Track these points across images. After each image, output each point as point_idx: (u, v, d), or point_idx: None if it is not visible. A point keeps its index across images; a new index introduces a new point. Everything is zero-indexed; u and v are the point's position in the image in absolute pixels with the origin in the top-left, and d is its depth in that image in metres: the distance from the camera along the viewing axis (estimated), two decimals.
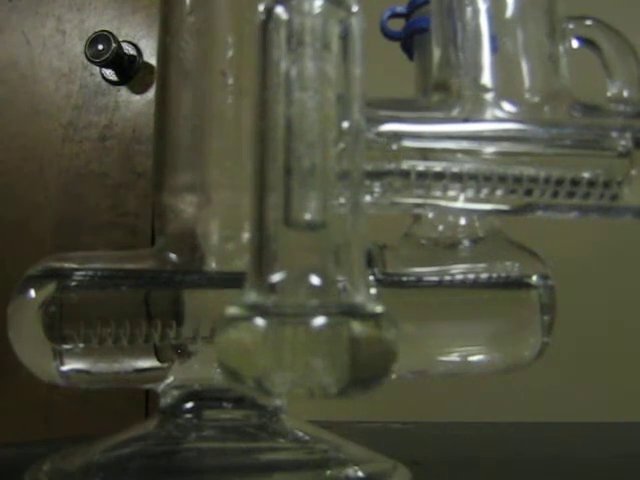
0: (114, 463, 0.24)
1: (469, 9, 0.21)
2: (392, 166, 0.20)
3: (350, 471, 0.24)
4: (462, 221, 0.28)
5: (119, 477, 0.23)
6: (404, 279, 0.26)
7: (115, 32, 0.70)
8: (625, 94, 0.21)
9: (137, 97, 0.72)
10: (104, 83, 0.72)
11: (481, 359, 0.28)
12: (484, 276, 0.26)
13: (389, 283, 0.23)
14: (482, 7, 0.21)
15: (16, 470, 0.25)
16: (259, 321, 0.17)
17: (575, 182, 0.20)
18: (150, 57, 0.72)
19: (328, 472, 0.24)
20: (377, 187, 0.20)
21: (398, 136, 0.19)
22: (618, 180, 0.20)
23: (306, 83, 0.18)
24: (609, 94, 0.21)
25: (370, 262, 0.26)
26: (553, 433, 0.42)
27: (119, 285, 0.25)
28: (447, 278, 0.26)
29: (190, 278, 0.25)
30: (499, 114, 0.20)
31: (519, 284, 0.26)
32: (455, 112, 0.20)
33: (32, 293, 0.25)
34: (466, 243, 0.28)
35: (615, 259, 0.57)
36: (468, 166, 0.20)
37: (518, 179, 0.20)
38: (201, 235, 0.26)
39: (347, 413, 0.44)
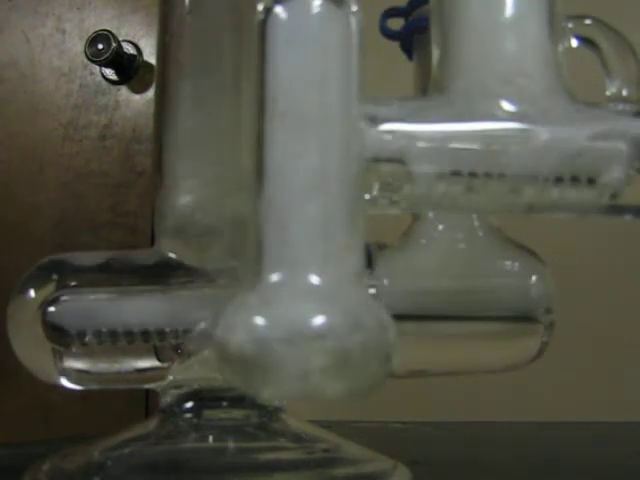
0: (114, 463, 0.24)
1: (467, 7, 0.21)
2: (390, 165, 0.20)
3: (350, 471, 0.24)
4: (462, 220, 0.28)
5: (119, 477, 0.23)
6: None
7: (115, 31, 0.69)
8: (624, 93, 0.21)
9: (137, 96, 0.72)
10: (104, 82, 0.72)
11: (481, 358, 0.28)
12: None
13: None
14: (480, 6, 0.21)
15: (16, 470, 0.25)
16: (259, 320, 0.17)
17: (575, 180, 0.20)
18: (150, 56, 0.71)
19: (328, 472, 0.24)
20: (377, 187, 0.20)
21: (397, 135, 0.19)
22: (618, 179, 0.20)
23: (305, 82, 0.18)
24: (608, 93, 0.21)
25: (370, 262, 0.26)
26: (553, 433, 0.42)
27: (119, 284, 0.25)
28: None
29: (189, 277, 0.25)
30: (498, 113, 0.20)
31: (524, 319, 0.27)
32: (454, 111, 0.20)
33: (32, 293, 0.25)
34: (465, 243, 0.28)
35: (615, 259, 0.57)
36: (467, 165, 0.20)
37: (517, 177, 0.20)
38: (201, 234, 0.26)
39: (347, 413, 0.44)
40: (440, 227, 0.28)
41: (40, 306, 0.24)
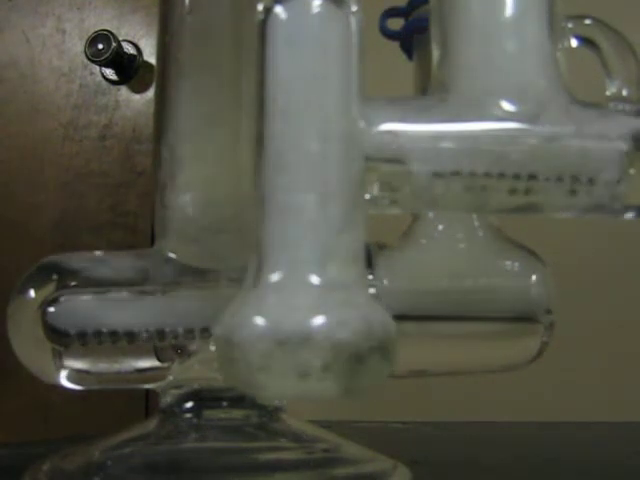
0: (114, 463, 0.24)
1: (467, 7, 0.21)
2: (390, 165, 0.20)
3: (350, 471, 0.24)
4: (462, 220, 0.28)
5: (119, 477, 0.23)
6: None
7: (115, 31, 0.69)
8: (624, 93, 0.21)
9: (137, 96, 0.72)
10: (104, 82, 0.72)
11: (481, 358, 0.28)
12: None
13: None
14: (480, 6, 0.21)
15: (16, 470, 0.25)
16: (259, 320, 0.17)
17: (574, 180, 0.20)
18: (150, 56, 0.71)
19: (328, 472, 0.24)
20: (377, 187, 0.20)
21: (397, 135, 0.19)
22: (617, 179, 0.20)
23: (305, 82, 0.18)
24: (608, 93, 0.21)
25: (370, 262, 0.26)
26: (553, 433, 0.42)
27: (119, 285, 0.25)
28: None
29: (189, 277, 0.25)
30: (498, 113, 0.20)
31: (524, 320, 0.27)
32: (454, 111, 0.20)
33: (32, 293, 0.25)
34: (465, 243, 0.28)
35: (615, 258, 0.57)
36: (467, 165, 0.20)
37: (517, 177, 0.20)
38: (201, 234, 0.26)
39: (347, 413, 0.44)
40: (440, 227, 0.28)
41: (40, 306, 0.24)
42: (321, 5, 0.19)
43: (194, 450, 0.25)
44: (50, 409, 0.64)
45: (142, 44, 0.72)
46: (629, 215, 0.21)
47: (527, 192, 0.20)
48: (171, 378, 0.26)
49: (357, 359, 0.17)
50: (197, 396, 0.26)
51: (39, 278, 0.25)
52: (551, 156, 0.20)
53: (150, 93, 0.71)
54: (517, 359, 0.27)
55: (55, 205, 0.70)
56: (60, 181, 0.71)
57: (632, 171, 0.20)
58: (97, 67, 0.71)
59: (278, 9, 0.19)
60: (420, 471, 0.26)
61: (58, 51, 0.73)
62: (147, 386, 0.27)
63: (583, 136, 0.20)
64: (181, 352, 0.25)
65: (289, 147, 0.18)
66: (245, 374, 0.17)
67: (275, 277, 0.18)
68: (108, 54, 0.68)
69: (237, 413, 0.26)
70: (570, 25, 0.22)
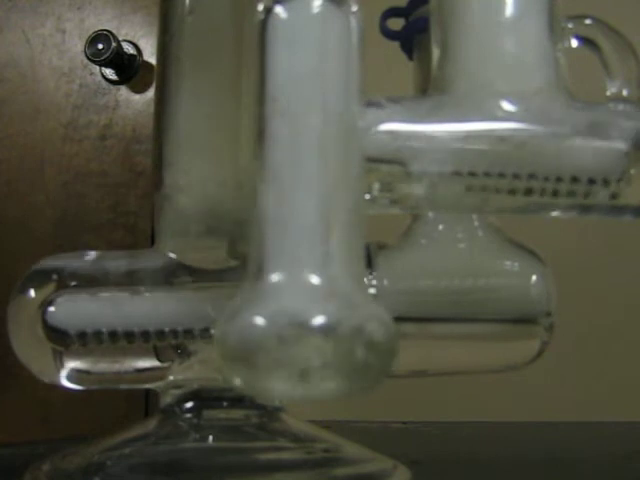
0: (114, 463, 0.24)
1: (467, 8, 0.21)
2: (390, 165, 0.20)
3: (350, 471, 0.24)
4: (462, 220, 0.28)
5: (119, 477, 0.23)
6: None
7: (115, 31, 0.69)
8: (624, 93, 0.21)
9: (137, 96, 0.72)
10: (104, 82, 0.72)
11: (481, 358, 0.28)
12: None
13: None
14: (480, 6, 0.21)
15: (16, 470, 0.25)
16: (259, 320, 0.17)
17: (574, 180, 0.20)
18: (150, 56, 0.71)
19: (328, 472, 0.24)
20: (377, 187, 0.20)
21: (397, 135, 0.19)
22: (617, 179, 0.20)
23: (305, 82, 0.18)
24: (608, 93, 0.21)
25: (370, 262, 0.26)
26: (553, 433, 0.42)
27: (119, 285, 0.25)
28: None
29: (189, 277, 0.25)
30: (498, 113, 0.20)
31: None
32: (454, 111, 0.20)
33: (32, 293, 0.25)
34: (465, 243, 0.28)
35: (615, 259, 0.57)
36: (467, 165, 0.20)
37: (517, 177, 0.20)
38: (201, 233, 0.26)
39: (347, 413, 0.44)
40: (440, 227, 0.28)
41: (40, 306, 0.24)
42: (321, 5, 0.19)
43: (194, 450, 0.25)
44: (50, 409, 0.64)
45: (142, 44, 0.72)
46: (629, 215, 0.21)
47: (527, 192, 0.20)
48: (171, 378, 0.25)
49: (357, 359, 0.17)
50: (197, 396, 0.26)
51: (39, 278, 0.25)
52: (551, 156, 0.20)
53: (150, 93, 0.71)
54: (517, 359, 0.28)
55: (55, 205, 0.70)
56: (60, 181, 0.70)
57: (632, 171, 0.20)
58: (97, 67, 0.71)
59: (278, 9, 0.19)
60: (420, 471, 0.26)
61: (58, 51, 0.73)
62: (147, 386, 0.26)
63: (583, 136, 0.20)
64: (181, 352, 0.25)
65: (289, 147, 0.18)
66: (245, 374, 0.17)
67: (275, 277, 0.18)
68: (108, 54, 0.67)
69: (237, 413, 0.26)
70: (570, 25, 0.22)
